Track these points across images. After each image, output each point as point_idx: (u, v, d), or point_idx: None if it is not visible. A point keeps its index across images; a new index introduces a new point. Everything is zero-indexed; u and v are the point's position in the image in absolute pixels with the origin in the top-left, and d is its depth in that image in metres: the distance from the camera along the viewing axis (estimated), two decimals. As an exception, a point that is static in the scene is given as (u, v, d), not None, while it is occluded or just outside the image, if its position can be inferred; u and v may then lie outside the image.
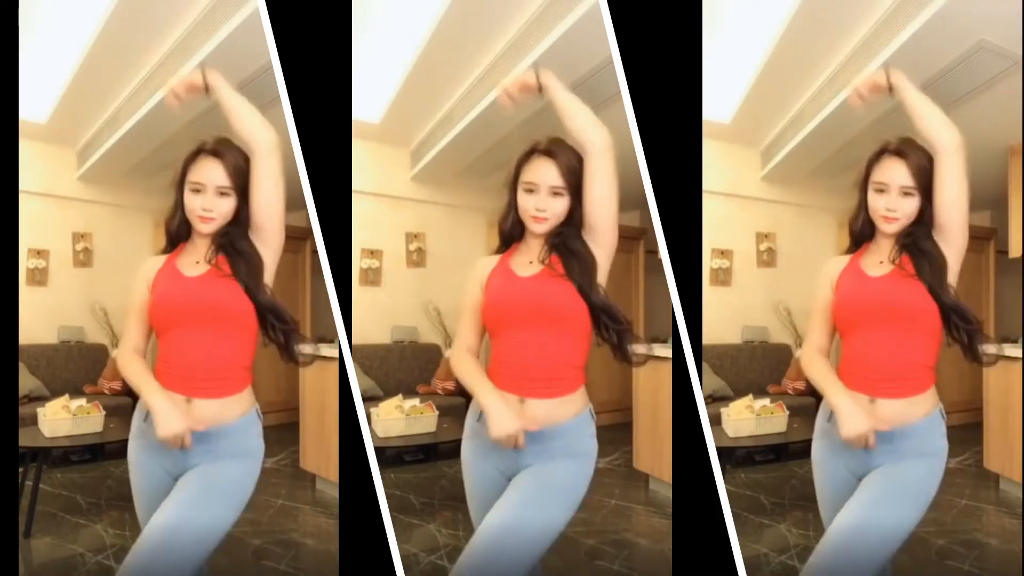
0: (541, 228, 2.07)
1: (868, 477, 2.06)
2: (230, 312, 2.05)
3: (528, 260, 2.10)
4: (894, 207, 2.04)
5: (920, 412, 2.06)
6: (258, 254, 2.07)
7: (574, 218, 2.06)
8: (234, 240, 2.07)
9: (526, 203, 2.07)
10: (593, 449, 2.11)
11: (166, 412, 2.01)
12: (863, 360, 2.07)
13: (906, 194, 2.03)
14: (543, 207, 2.05)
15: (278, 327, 2.08)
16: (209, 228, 2.06)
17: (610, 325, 2.06)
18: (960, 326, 2.03)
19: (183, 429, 2.02)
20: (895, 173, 2.03)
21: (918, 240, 2.04)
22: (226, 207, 2.06)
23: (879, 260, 2.09)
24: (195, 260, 2.09)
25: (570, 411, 2.08)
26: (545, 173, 2.05)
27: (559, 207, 2.06)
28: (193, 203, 2.06)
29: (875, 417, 2.04)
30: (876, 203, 2.06)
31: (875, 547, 2.00)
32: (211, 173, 2.06)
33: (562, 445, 2.07)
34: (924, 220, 2.04)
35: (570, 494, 2.07)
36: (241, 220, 2.07)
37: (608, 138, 2.04)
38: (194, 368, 2.05)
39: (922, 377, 2.06)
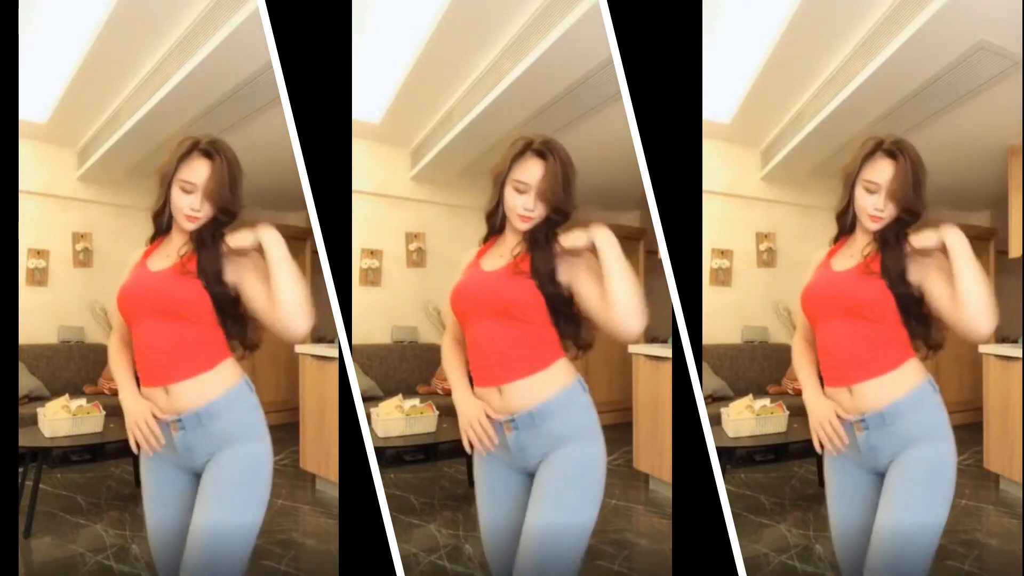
0: (526, 226, 2.09)
1: (888, 477, 2.07)
2: (188, 308, 2.06)
3: (500, 254, 2.14)
4: (882, 207, 2.06)
5: (904, 387, 2.06)
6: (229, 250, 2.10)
7: (557, 216, 2.08)
8: (213, 234, 2.09)
9: (514, 201, 2.08)
10: (591, 424, 2.10)
11: (127, 410, 2.09)
12: (832, 352, 2.11)
13: (892, 196, 2.05)
14: (531, 207, 2.07)
15: (234, 322, 2.10)
16: (194, 226, 2.08)
17: (568, 321, 2.08)
18: (919, 319, 2.05)
19: (140, 427, 2.07)
20: (886, 174, 2.05)
21: (897, 236, 2.07)
22: (208, 208, 2.08)
23: (850, 254, 2.13)
24: (166, 254, 2.12)
25: (553, 386, 2.08)
26: (536, 174, 2.07)
27: (542, 209, 2.08)
28: (181, 201, 2.07)
29: (858, 405, 2.07)
30: (864, 201, 2.07)
31: (920, 548, 2.02)
32: (201, 174, 2.07)
33: (558, 426, 2.06)
34: (904, 218, 2.06)
35: (591, 484, 2.08)
36: (220, 218, 2.09)
37: (641, 325, 2.06)
38: (161, 356, 2.07)
39: (893, 354, 2.06)
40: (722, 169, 3.90)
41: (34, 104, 3.89)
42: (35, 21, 3.40)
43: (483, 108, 3.54)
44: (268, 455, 2.11)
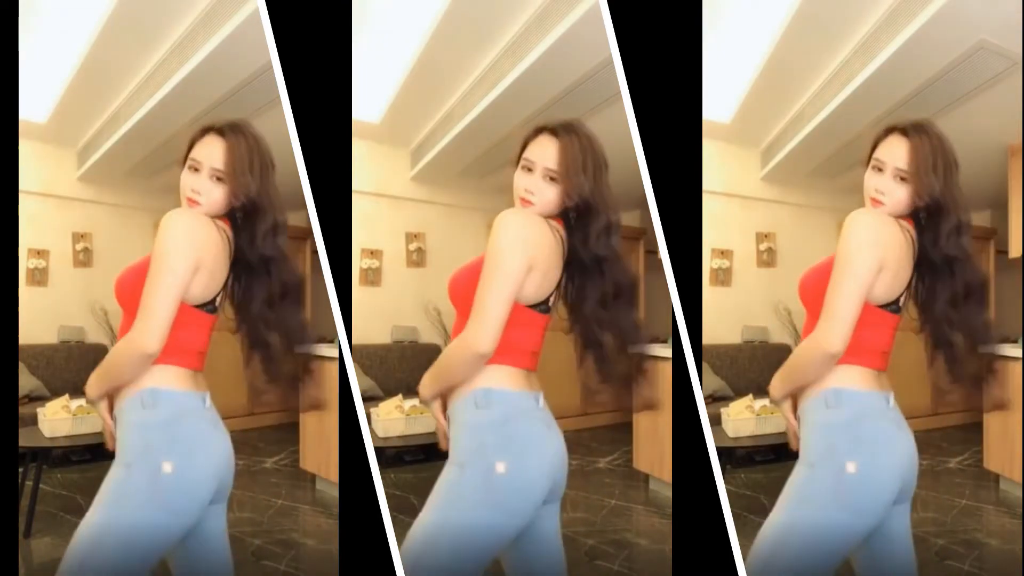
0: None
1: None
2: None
3: None
4: (883, 189, 1.85)
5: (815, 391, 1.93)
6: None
7: (587, 221, 1.90)
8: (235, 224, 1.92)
9: (520, 181, 1.90)
10: (464, 448, 1.93)
11: None
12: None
13: (901, 179, 1.85)
14: (532, 189, 1.88)
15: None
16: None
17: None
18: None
19: None
20: (894, 152, 1.86)
21: (922, 238, 1.86)
22: (218, 194, 1.89)
23: None
24: None
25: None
26: (545, 153, 1.89)
27: (550, 194, 1.89)
28: (185, 181, 1.90)
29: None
30: (870, 181, 1.88)
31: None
32: (209, 152, 1.89)
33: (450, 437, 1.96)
34: (932, 218, 1.84)
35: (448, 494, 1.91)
36: (239, 206, 1.90)
37: None
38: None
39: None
40: (722, 169, 3.90)
41: (34, 104, 3.89)
42: (35, 21, 3.39)
43: (483, 108, 3.54)
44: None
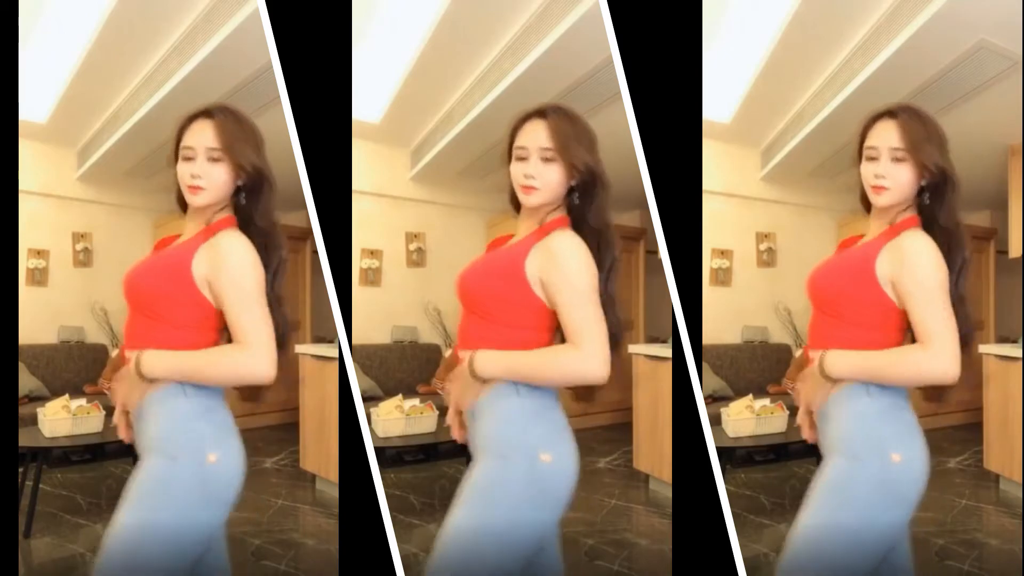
0: (532, 199, 1.85)
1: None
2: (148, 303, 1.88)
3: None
4: (883, 173, 1.82)
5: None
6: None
7: (594, 194, 1.85)
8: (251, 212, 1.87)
9: (516, 171, 1.85)
10: (507, 440, 1.85)
11: None
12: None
13: (897, 160, 1.82)
14: (532, 173, 1.83)
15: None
16: (200, 199, 1.84)
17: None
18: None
19: None
20: (886, 135, 1.83)
21: (934, 213, 1.82)
22: (219, 174, 1.83)
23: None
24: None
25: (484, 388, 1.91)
26: (536, 135, 1.84)
27: (551, 175, 1.83)
28: (183, 171, 1.84)
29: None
30: (867, 171, 1.85)
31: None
32: (201, 136, 1.83)
33: (477, 430, 1.90)
34: (937, 192, 1.82)
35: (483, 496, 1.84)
36: (246, 184, 1.85)
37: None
38: None
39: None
40: (722, 169, 3.90)
41: (34, 104, 3.89)
42: (35, 21, 3.40)
43: (483, 108, 3.54)
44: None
